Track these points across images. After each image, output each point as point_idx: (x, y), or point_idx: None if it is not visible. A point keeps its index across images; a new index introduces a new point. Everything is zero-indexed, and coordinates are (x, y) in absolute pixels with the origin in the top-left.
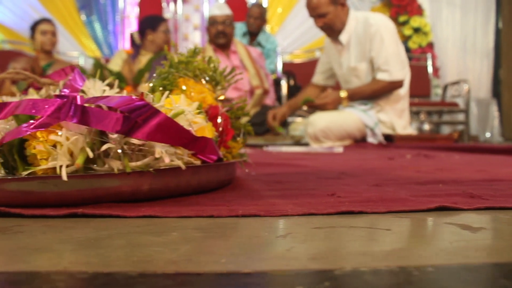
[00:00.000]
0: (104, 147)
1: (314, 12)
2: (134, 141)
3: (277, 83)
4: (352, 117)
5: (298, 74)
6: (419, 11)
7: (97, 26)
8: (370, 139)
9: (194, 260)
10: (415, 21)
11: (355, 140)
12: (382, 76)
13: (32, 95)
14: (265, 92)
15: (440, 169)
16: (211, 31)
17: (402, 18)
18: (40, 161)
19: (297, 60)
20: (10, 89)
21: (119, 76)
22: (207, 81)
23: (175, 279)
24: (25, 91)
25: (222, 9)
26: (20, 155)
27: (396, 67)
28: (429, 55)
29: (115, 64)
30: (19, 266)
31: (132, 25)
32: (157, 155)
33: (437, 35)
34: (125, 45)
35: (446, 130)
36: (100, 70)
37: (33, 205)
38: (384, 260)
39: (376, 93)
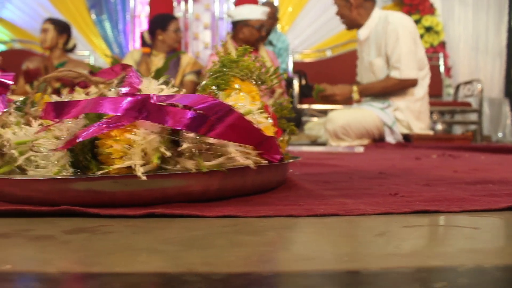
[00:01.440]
0: (184, 146)
1: (337, 13)
2: (211, 140)
3: (288, 83)
4: (371, 115)
5: (309, 73)
6: (431, 10)
7: (107, 25)
8: (389, 138)
9: (316, 258)
10: (427, 20)
11: (373, 139)
12: (393, 74)
13: (80, 94)
14: (283, 93)
15: (475, 169)
16: (255, 35)
17: (413, 17)
18: (114, 160)
19: (308, 60)
20: (24, 88)
21: None
22: (254, 81)
23: (309, 278)
24: (71, 90)
25: (266, 15)
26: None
27: (409, 66)
28: (441, 55)
29: None
30: (138, 267)
31: (142, 24)
32: (232, 155)
33: (449, 34)
34: (136, 44)
35: (458, 130)
36: None
37: (102, 205)
38: (504, 257)
39: (387, 89)
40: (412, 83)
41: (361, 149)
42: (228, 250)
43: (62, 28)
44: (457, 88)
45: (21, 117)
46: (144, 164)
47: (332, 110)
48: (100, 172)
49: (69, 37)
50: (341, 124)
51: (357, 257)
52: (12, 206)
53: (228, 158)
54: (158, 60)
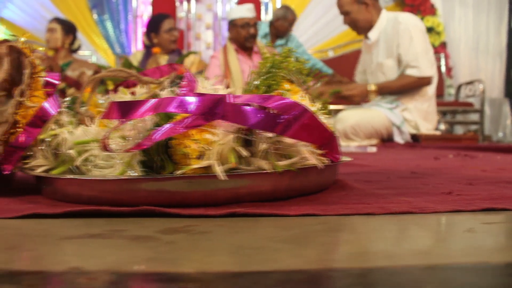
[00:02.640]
0: (262, 146)
1: (340, 10)
2: (287, 140)
3: None
4: (379, 115)
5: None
6: (432, 10)
7: (109, 25)
8: (397, 138)
9: (432, 253)
10: (428, 21)
11: (381, 139)
12: (411, 72)
13: (124, 94)
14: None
15: (502, 168)
16: (241, 34)
17: None
18: (191, 160)
19: None
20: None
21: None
22: (295, 81)
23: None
24: (115, 90)
25: (252, 12)
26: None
27: (426, 64)
28: (442, 55)
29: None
30: (271, 265)
31: (144, 25)
32: (306, 155)
33: (450, 35)
34: (138, 44)
35: (459, 130)
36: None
37: (173, 205)
38: None
39: (405, 87)
40: (429, 81)
41: (374, 149)
42: (337, 246)
43: (69, 28)
44: (459, 88)
45: (72, 116)
46: (221, 164)
47: (341, 110)
48: (179, 172)
49: (74, 37)
50: (351, 124)
51: (474, 252)
52: (85, 206)
53: (301, 158)
54: (162, 61)
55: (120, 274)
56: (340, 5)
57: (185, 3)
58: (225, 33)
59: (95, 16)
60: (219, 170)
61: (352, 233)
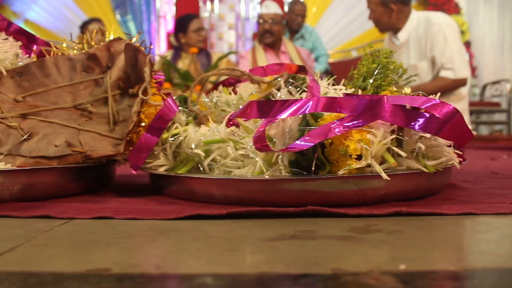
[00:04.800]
0: (414, 146)
1: (367, 5)
2: (436, 141)
3: None
4: None
5: (334, 73)
6: (456, 9)
7: (132, 26)
8: None
9: None
10: None
11: None
12: (446, 74)
13: (225, 93)
14: None
15: None
16: (259, 30)
17: None
18: (349, 160)
19: (332, 60)
20: None
21: (186, 75)
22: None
23: None
24: (215, 88)
25: (269, 8)
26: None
27: (461, 65)
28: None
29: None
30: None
31: (168, 25)
32: (452, 156)
33: (474, 34)
34: (161, 45)
35: (483, 130)
36: (168, 68)
37: (323, 204)
38: None
39: (440, 90)
40: (464, 82)
41: None
42: None
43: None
44: (484, 87)
45: (187, 116)
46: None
47: None
48: (340, 172)
49: None
50: None
51: None
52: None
53: (448, 158)
54: (188, 62)
55: (394, 274)
56: (368, 1)
57: (208, 3)
58: (248, 33)
59: (118, 16)
60: (380, 169)
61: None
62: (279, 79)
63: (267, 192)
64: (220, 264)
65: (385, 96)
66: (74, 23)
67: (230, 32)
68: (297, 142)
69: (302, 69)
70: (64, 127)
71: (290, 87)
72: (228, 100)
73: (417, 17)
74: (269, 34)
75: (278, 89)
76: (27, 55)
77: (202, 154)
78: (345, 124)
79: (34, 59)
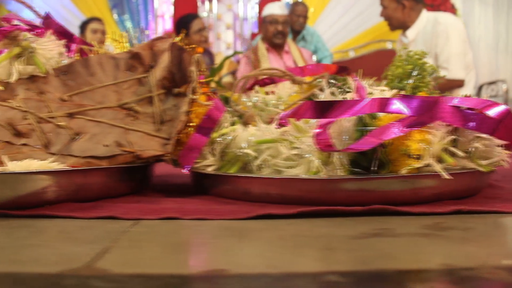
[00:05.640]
0: (469, 146)
1: (380, 1)
2: (495, 141)
3: None
4: None
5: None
6: (452, 10)
7: (129, 25)
8: None
9: None
10: None
11: None
12: (441, 73)
13: (260, 92)
14: None
15: None
16: (270, 30)
17: None
18: (409, 160)
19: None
20: None
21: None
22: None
23: None
24: (251, 88)
25: (283, 9)
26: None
27: (457, 66)
28: None
29: None
30: None
31: (166, 24)
32: (502, 155)
33: (470, 34)
34: None
35: None
36: None
37: (378, 203)
38: None
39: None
40: (459, 84)
41: None
42: None
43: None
44: (480, 88)
45: (232, 116)
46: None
47: None
48: (403, 171)
49: None
50: None
51: None
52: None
53: (499, 158)
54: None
55: (504, 268)
56: None
57: (207, 3)
58: (247, 33)
59: (115, 16)
60: (440, 168)
61: None
62: (320, 79)
63: (327, 191)
64: (331, 262)
65: (444, 98)
66: (71, 23)
67: (228, 32)
68: (359, 142)
69: (342, 70)
70: (112, 126)
71: (333, 88)
72: (267, 100)
73: (426, 17)
74: (281, 35)
75: (321, 90)
76: (67, 54)
77: (254, 154)
78: (406, 125)
79: (77, 58)
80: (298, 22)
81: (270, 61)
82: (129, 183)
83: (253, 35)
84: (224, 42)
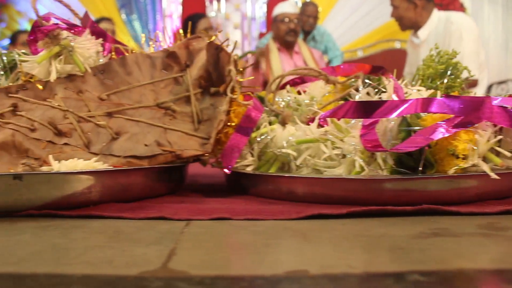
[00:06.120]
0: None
1: (391, 2)
2: None
3: None
4: None
5: None
6: (461, 9)
7: (137, 25)
8: None
9: None
10: None
11: None
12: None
13: (293, 92)
14: None
15: None
16: (282, 28)
17: None
18: (457, 160)
19: None
20: None
21: None
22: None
23: None
24: (282, 87)
25: (294, 7)
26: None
27: (470, 65)
28: None
29: None
30: None
31: (174, 24)
32: None
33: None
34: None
35: None
36: None
37: (424, 202)
38: None
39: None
40: (473, 83)
41: None
42: None
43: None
44: (489, 87)
45: (268, 115)
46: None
47: None
48: (450, 171)
49: None
50: None
51: None
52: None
53: None
54: None
55: None
56: None
57: (215, 3)
58: (255, 33)
59: (123, 16)
60: (488, 168)
61: None
62: (354, 79)
63: (372, 191)
64: (409, 261)
65: (490, 98)
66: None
67: (236, 32)
68: (406, 142)
69: (377, 69)
70: (151, 126)
71: (368, 88)
72: (299, 100)
73: (438, 16)
74: (293, 33)
75: (356, 90)
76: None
77: (294, 154)
78: (453, 125)
79: (113, 57)
80: (308, 22)
81: (281, 61)
82: (167, 183)
83: (261, 35)
84: (231, 42)
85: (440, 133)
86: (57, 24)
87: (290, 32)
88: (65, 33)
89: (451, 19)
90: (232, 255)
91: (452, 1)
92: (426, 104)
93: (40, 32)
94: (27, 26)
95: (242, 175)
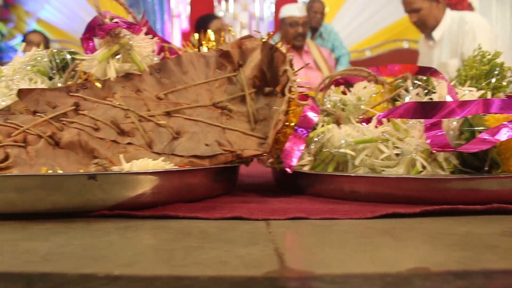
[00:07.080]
0: None
1: (409, 7)
2: None
3: None
4: None
5: None
6: (469, 8)
7: None
8: None
9: None
10: None
11: None
12: None
13: (338, 92)
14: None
15: None
16: (290, 32)
17: None
18: None
19: None
20: None
21: None
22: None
23: None
24: (329, 87)
25: (302, 10)
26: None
27: None
28: None
29: None
30: None
31: (183, 24)
32: None
33: None
34: (175, 44)
35: None
36: None
37: (488, 201)
38: None
39: None
40: None
41: None
42: None
43: None
44: None
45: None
46: None
47: None
48: None
49: None
50: None
51: None
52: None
53: None
54: None
55: None
56: (409, 2)
57: (223, 3)
58: (263, 33)
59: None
60: None
61: None
62: (402, 80)
63: (437, 190)
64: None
65: None
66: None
67: (244, 32)
68: (472, 142)
69: (425, 70)
70: (209, 125)
71: (418, 88)
72: (345, 100)
73: (451, 16)
74: (301, 38)
75: (406, 90)
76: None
77: (352, 153)
78: None
79: (167, 56)
80: (315, 18)
81: None
82: (226, 184)
83: (269, 35)
84: None
85: (505, 134)
86: (117, 22)
87: (298, 36)
88: (124, 32)
89: (465, 18)
90: (338, 254)
91: (460, 0)
92: (487, 104)
93: (101, 30)
94: (35, 26)
95: (298, 175)
